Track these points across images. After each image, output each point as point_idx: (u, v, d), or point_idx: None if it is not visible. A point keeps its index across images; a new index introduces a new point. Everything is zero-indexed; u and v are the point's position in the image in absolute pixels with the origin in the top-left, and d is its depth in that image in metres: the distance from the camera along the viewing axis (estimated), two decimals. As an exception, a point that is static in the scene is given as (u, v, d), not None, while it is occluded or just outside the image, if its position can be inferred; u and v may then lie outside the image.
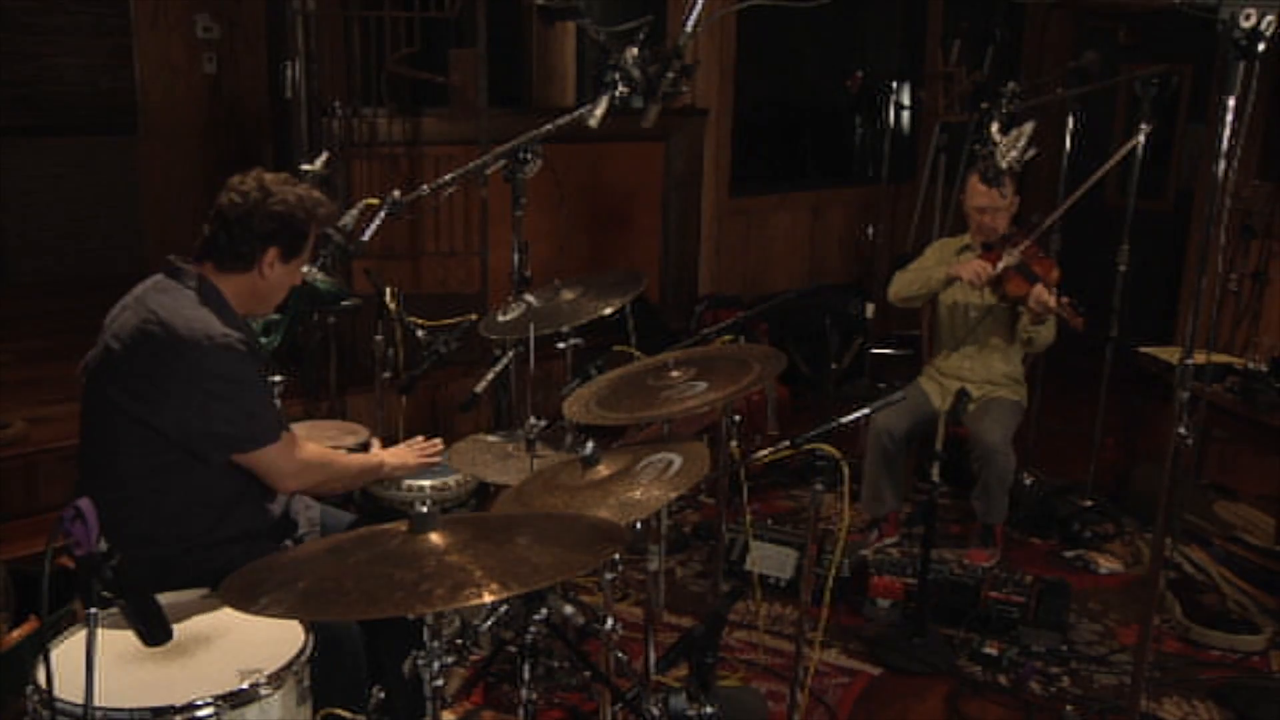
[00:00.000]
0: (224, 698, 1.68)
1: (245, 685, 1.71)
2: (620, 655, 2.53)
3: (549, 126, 2.83)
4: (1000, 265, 3.64)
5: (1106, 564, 3.80)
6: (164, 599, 1.64)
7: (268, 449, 2.19)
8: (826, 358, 5.09)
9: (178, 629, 1.66)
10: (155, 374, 2.10)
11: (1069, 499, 4.14)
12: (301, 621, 1.89)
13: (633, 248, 5.48)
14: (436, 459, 2.65)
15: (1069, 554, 3.87)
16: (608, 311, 2.75)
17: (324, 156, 3.20)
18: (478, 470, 2.61)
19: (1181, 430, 2.10)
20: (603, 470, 2.10)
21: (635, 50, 2.49)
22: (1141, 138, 3.86)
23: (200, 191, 6.02)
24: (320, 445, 2.47)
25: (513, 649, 2.30)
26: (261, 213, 2.19)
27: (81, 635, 1.74)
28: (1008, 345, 3.87)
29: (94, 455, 2.22)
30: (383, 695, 2.10)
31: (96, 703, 1.50)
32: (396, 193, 2.93)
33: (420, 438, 2.69)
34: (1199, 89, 5.70)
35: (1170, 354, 4.05)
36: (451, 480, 2.79)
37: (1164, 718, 2.92)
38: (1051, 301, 3.52)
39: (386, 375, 3.25)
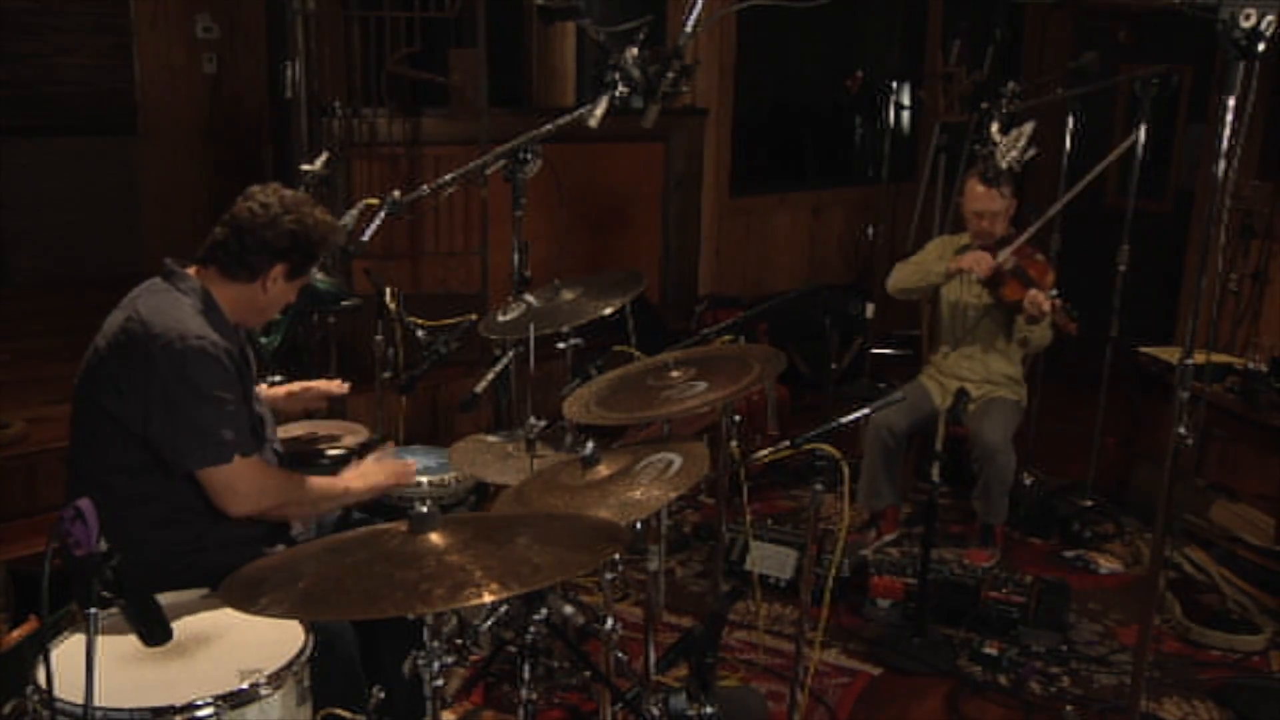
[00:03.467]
0: (224, 698, 1.68)
1: (245, 685, 1.71)
2: (620, 655, 2.53)
3: (549, 126, 2.83)
4: (997, 263, 3.64)
5: (1106, 564, 3.80)
6: (164, 599, 1.65)
7: (215, 470, 2.11)
8: (826, 358, 5.08)
9: (178, 629, 1.66)
10: (129, 372, 2.09)
11: (1069, 499, 4.14)
12: (301, 621, 1.89)
13: (633, 248, 5.48)
14: (410, 479, 2.51)
15: (1069, 554, 3.87)
16: (608, 311, 2.75)
17: (324, 156, 3.20)
18: (478, 470, 2.60)
19: (1181, 430, 2.10)
20: (603, 470, 2.10)
21: (635, 50, 2.49)
22: (1140, 136, 3.86)
23: (200, 191, 6.03)
24: (283, 472, 2.32)
25: (513, 649, 2.30)
26: (278, 228, 2.18)
27: (81, 635, 1.74)
28: (1007, 345, 3.87)
29: (81, 458, 2.21)
30: (383, 695, 2.10)
31: (96, 703, 1.50)
32: (396, 193, 2.93)
33: (391, 457, 2.53)
34: (1199, 89, 5.70)
35: (1170, 354, 4.04)
36: (450, 478, 2.79)
37: (1164, 718, 2.92)
38: (1046, 305, 3.52)
39: (386, 375, 3.25)
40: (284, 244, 2.20)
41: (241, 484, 2.14)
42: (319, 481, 2.33)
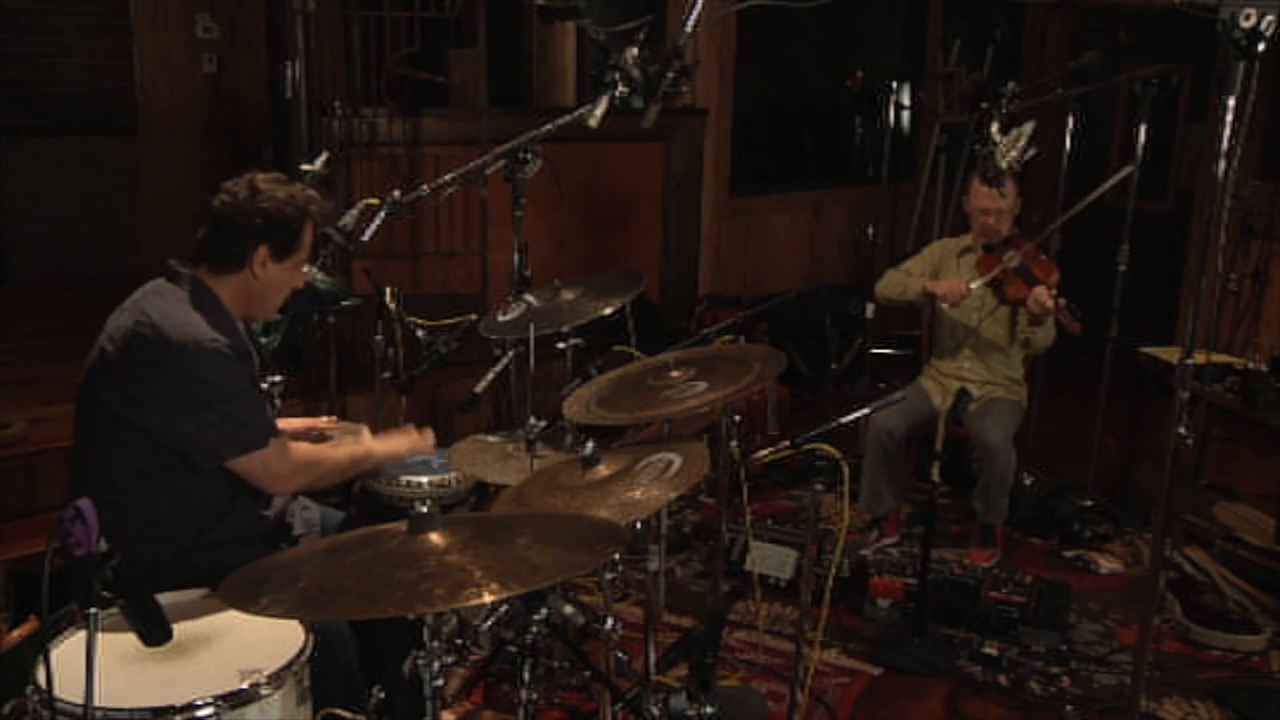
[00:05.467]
0: (224, 698, 1.68)
1: (245, 685, 1.71)
2: (620, 655, 2.53)
3: (549, 126, 2.83)
4: (999, 268, 3.66)
5: (1106, 564, 3.80)
6: (164, 599, 1.65)
7: (255, 454, 2.16)
8: (826, 358, 5.09)
9: (178, 629, 1.66)
10: (144, 376, 2.10)
11: (1069, 499, 4.14)
12: (301, 621, 1.88)
13: (633, 248, 5.48)
14: (428, 449, 2.57)
15: (1069, 554, 3.87)
16: (608, 311, 2.75)
17: (324, 156, 3.19)
18: (478, 470, 2.60)
19: (1181, 430, 2.10)
20: (603, 470, 2.10)
21: (635, 50, 2.49)
22: (1131, 169, 3.87)
23: (200, 192, 5.96)
24: (309, 444, 2.41)
25: (513, 649, 2.30)
26: (249, 210, 2.18)
27: (81, 635, 1.74)
28: (1008, 346, 3.87)
29: (86, 457, 2.21)
30: (383, 695, 2.10)
31: (96, 703, 1.50)
32: (396, 193, 2.93)
33: (412, 426, 2.60)
34: (1199, 89, 5.70)
35: (1170, 354, 4.05)
36: (450, 478, 2.79)
37: (1164, 718, 2.92)
38: (1050, 304, 3.53)
39: (386, 375, 3.25)
40: (258, 224, 2.19)
41: (281, 464, 2.20)
42: (345, 450, 2.40)
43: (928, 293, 3.77)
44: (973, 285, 3.67)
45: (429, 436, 2.58)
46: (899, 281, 3.88)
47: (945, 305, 3.74)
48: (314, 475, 2.30)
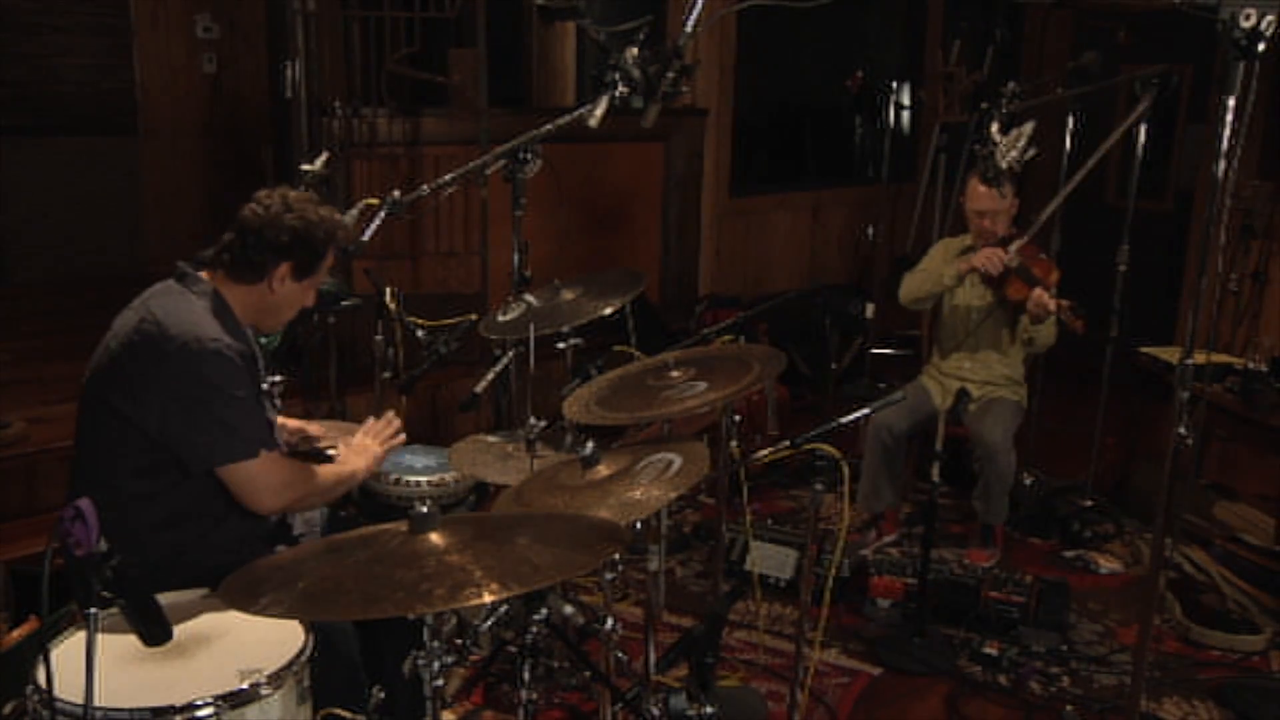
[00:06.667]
0: (224, 698, 1.68)
1: (245, 685, 1.71)
2: (620, 655, 2.53)
3: (549, 126, 2.83)
4: (1006, 257, 3.64)
5: (1106, 564, 3.80)
6: (164, 599, 1.65)
7: (241, 465, 2.13)
8: (826, 358, 5.08)
9: (178, 629, 1.66)
10: (144, 373, 2.09)
11: (1069, 499, 4.14)
12: (301, 621, 1.88)
13: (633, 248, 5.48)
14: (399, 439, 2.52)
15: (1069, 554, 3.87)
16: (608, 311, 2.75)
17: (324, 156, 3.19)
18: (478, 470, 2.60)
19: (1181, 430, 2.10)
20: (603, 470, 2.10)
21: (635, 50, 2.49)
22: (1140, 112, 3.81)
23: (200, 191, 6.03)
24: (300, 463, 2.34)
25: (513, 649, 2.30)
26: (280, 225, 2.18)
27: (81, 635, 1.74)
28: (1008, 346, 3.87)
29: (86, 457, 2.21)
30: (383, 695, 2.10)
31: (96, 703, 1.50)
32: (396, 193, 2.93)
33: (370, 420, 2.54)
34: (1199, 89, 5.70)
35: (1170, 354, 4.04)
36: (450, 478, 2.78)
37: (1164, 718, 2.93)
38: (1051, 305, 3.52)
39: (386, 375, 3.25)
40: (286, 241, 2.19)
41: (268, 479, 2.16)
42: (329, 469, 2.35)
43: (964, 272, 3.73)
44: (1011, 247, 3.63)
45: (395, 424, 2.51)
46: (926, 277, 3.82)
47: (990, 272, 3.65)
48: (299, 495, 2.25)
